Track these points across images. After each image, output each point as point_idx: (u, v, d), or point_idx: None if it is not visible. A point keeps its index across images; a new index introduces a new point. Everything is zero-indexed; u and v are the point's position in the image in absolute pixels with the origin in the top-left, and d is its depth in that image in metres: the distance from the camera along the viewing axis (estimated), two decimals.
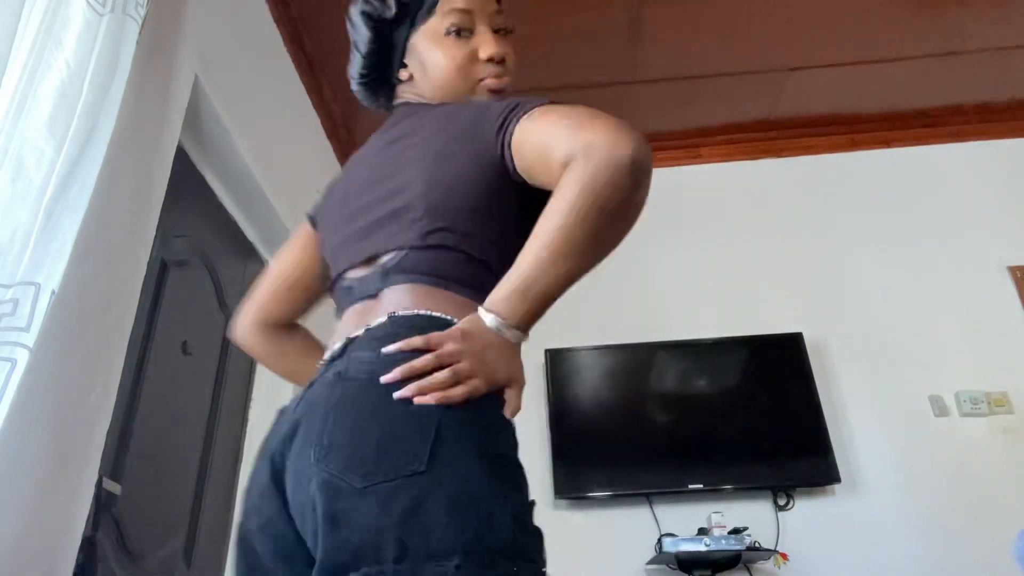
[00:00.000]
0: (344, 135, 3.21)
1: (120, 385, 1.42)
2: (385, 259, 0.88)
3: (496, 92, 1.02)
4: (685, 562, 2.40)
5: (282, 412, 0.86)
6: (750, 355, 2.84)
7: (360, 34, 1.07)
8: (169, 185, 1.65)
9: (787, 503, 2.62)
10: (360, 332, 0.83)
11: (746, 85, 3.05)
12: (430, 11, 1.03)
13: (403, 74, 1.07)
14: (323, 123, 3.06)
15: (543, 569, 0.71)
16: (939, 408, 2.72)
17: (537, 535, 0.72)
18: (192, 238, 2.18)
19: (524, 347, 0.79)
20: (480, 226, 0.88)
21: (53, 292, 1.21)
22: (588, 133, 0.77)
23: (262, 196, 2.41)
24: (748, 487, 2.62)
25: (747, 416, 2.72)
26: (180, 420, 2.10)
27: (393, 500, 0.66)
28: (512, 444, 0.76)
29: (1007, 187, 3.12)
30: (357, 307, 0.90)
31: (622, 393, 2.81)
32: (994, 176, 3.16)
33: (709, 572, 2.42)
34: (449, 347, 0.75)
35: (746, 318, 2.91)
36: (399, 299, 0.85)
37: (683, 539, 2.41)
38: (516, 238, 0.82)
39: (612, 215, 0.76)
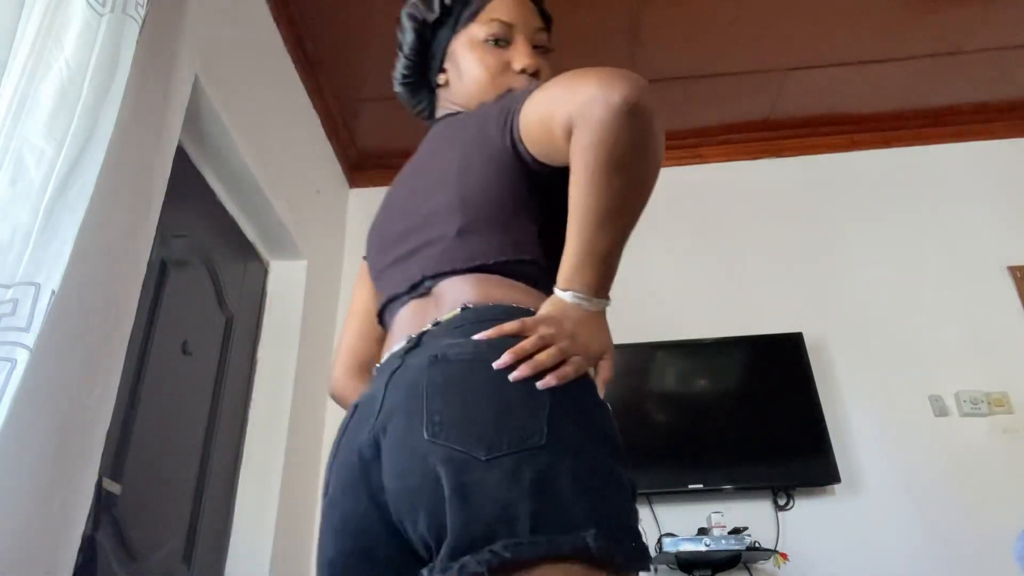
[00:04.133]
0: (344, 135, 3.21)
1: (120, 385, 1.42)
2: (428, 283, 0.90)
3: None
4: (685, 562, 2.40)
5: (357, 407, 0.86)
6: (750, 355, 2.84)
7: (405, 36, 1.09)
8: (169, 185, 1.65)
9: (787, 503, 2.62)
10: (428, 326, 0.83)
11: (746, 85, 3.05)
12: (472, 18, 1.05)
13: (441, 78, 1.09)
14: (323, 123, 3.06)
15: (646, 547, 0.71)
16: (939, 408, 2.72)
17: (637, 516, 0.73)
18: (192, 238, 2.18)
19: None
20: (516, 233, 0.88)
21: (53, 292, 1.21)
22: (578, 95, 0.76)
23: (262, 196, 2.41)
24: (748, 487, 2.62)
25: (747, 416, 2.72)
26: (180, 420, 2.10)
27: (520, 472, 0.66)
28: (612, 422, 0.77)
29: (1007, 187, 3.12)
30: (410, 307, 0.91)
31: (622, 393, 2.81)
32: (994, 176, 3.16)
33: (709, 572, 2.42)
34: (543, 330, 0.75)
35: (746, 318, 2.91)
36: (464, 291, 0.85)
37: (683, 539, 2.41)
38: (559, 226, 0.82)
39: (631, 163, 0.75)
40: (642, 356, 2.84)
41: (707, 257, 3.10)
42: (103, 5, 1.42)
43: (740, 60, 2.92)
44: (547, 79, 0.97)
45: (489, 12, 1.04)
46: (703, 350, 2.86)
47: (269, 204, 2.44)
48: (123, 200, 1.44)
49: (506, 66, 1.02)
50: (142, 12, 1.48)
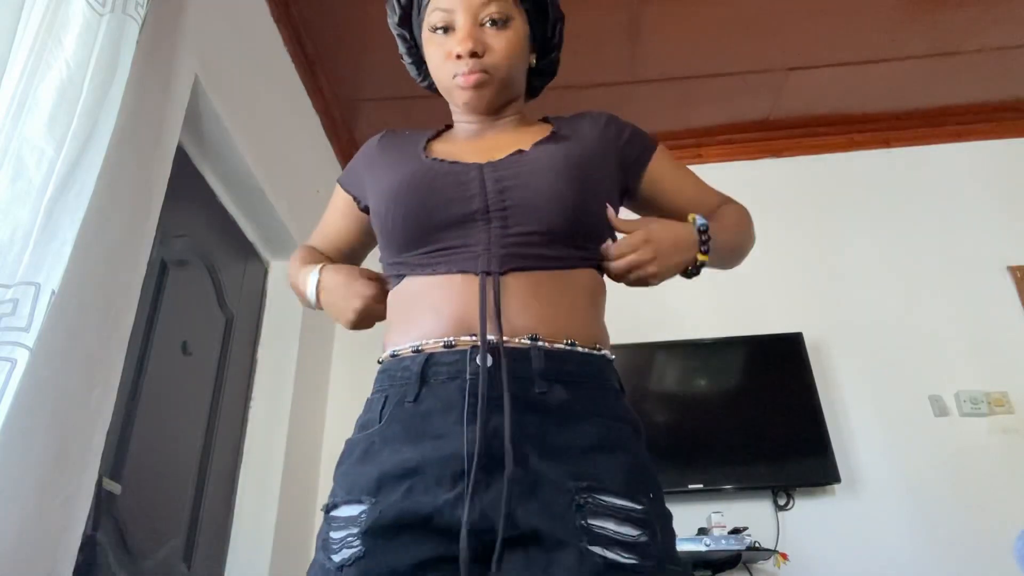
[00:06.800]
0: (344, 135, 3.21)
1: (120, 385, 1.42)
2: None
3: (466, 89, 0.98)
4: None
5: None
6: (750, 355, 2.84)
7: (399, 44, 1.08)
8: (169, 185, 1.65)
9: (787, 503, 2.62)
10: None
11: (746, 85, 3.05)
12: (422, 10, 1.01)
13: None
14: (323, 123, 3.06)
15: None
16: (939, 408, 2.72)
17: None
18: (192, 238, 2.18)
19: None
20: None
21: (53, 292, 1.21)
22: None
23: (262, 196, 2.41)
24: (748, 487, 2.62)
25: (747, 416, 2.72)
26: (180, 420, 2.10)
27: None
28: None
29: (1007, 187, 3.12)
30: None
31: None
32: (994, 176, 3.15)
33: (709, 572, 2.42)
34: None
35: (746, 318, 2.91)
36: None
37: (683, 539, 2.41)
38: None
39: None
40: (642, 356, 2.84)
41: None
42: (103, 5, 1.42)
43: (740, 60, 2.92)
44: (513, 48, 0.97)
45: (432, 0, 0.98)
46: (703, 350, 2.86)
47: (269, 204, 2.44)
48: (123, 200, 1.44)
49: (449, 54, 0.97)
50: (142, 12, 1.48)
